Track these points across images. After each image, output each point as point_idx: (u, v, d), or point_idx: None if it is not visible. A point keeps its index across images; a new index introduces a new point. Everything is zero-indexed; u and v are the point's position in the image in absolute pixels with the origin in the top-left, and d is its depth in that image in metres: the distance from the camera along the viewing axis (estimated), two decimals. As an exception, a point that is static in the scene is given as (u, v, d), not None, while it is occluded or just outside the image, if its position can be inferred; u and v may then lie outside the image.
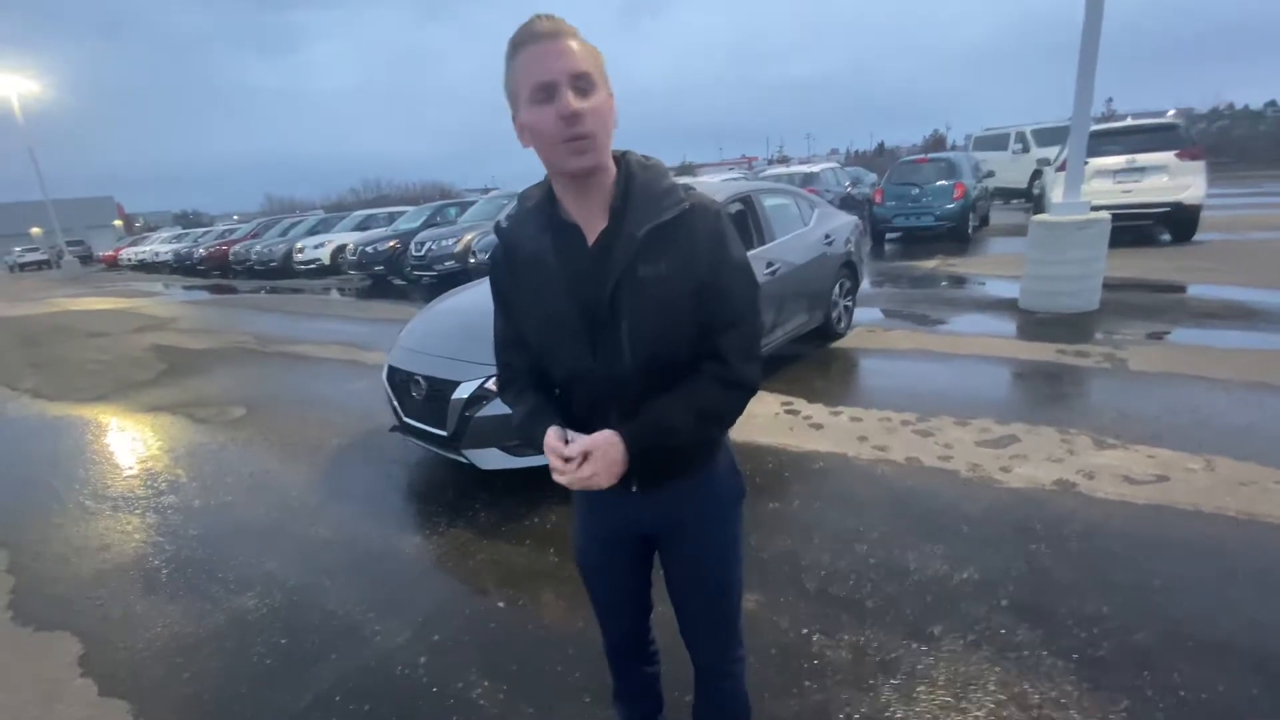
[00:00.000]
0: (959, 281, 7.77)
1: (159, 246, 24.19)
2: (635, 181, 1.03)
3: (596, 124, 0.95)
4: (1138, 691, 1.75)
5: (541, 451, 1.09)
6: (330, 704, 1.98)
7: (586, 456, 1.01)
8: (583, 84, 0.93)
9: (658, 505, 1.21)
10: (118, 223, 56.52)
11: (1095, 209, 5.81)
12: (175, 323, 10.07)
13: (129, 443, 4.56)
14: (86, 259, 33.68)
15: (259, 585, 2.64)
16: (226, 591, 2.62)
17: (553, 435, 1.06)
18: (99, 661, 2.27)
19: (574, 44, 0.93)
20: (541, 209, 1.07)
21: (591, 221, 1.04)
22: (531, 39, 0.93)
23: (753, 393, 1.10)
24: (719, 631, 1.33)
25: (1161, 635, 1.94)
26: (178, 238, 25.01)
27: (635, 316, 1.02)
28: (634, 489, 1.16)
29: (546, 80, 0.91)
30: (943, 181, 10.53)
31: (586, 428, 1.08)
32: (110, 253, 29.04)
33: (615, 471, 1.03)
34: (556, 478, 1.04)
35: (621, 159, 1.06)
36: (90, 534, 3.22)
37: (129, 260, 25.83)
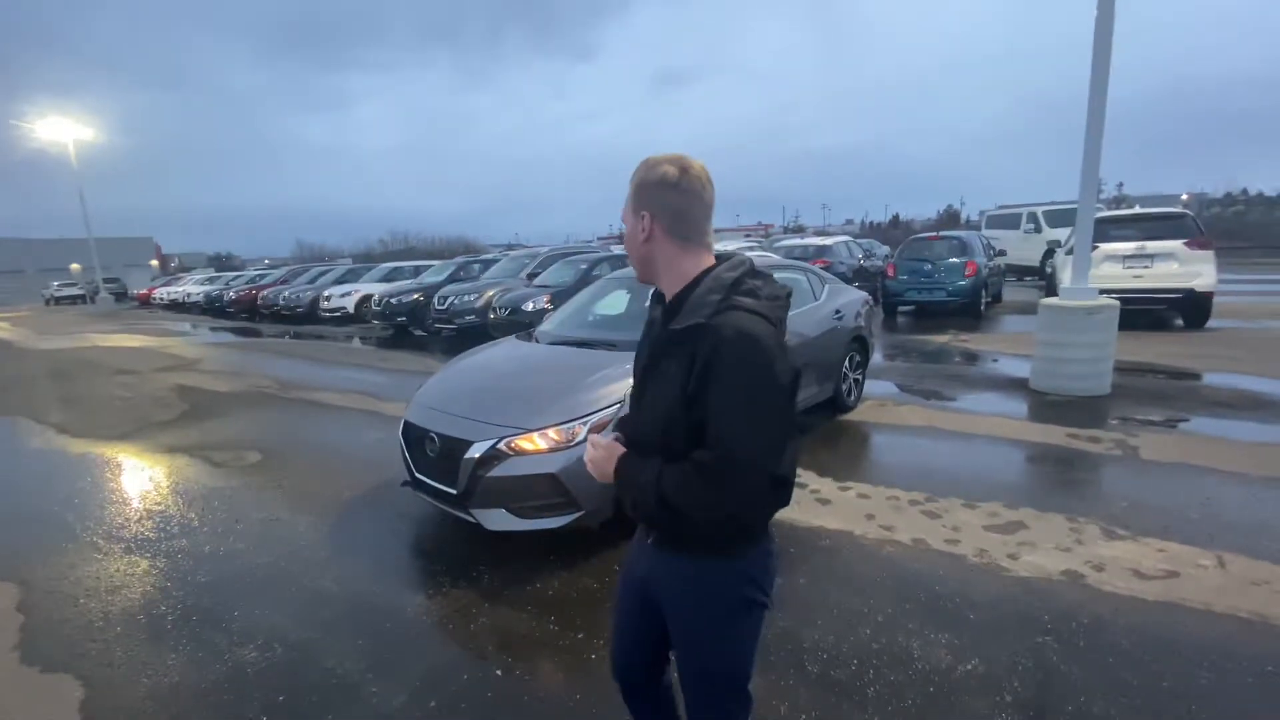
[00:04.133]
0: (971, 358, 7.82)
1: (191, 287, 25.07)
2: (696, 290, 1.20)
3: (629, 251, 1.31)
4: (1144, 802, 1.71)
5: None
6: (323, 767, 1.97)
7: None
8: (625, 226, 1.30)
9: (658, 567, 1.32)
10: (154, 262, 58.73)
11: (1107, 292, 5.90)
12: (200, 363, 10.34)
13: (145, 483, 4.65)
14: (121, 296, 34.85)
15: (261, 637, 2.66)
16: (229, 642, 2.63)
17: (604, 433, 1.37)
18: (100, 708, 2.29)
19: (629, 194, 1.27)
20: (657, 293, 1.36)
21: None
22: None
23: (726, 496, 1.10)
24: (699, 714, 1.36)
25: (1170, 743, 1.90)
26: (210, 280, 25.93)
27: (652, 389, 1.25)
28: (650, 540, 1.33)
29: None
30: (955, 259, 10.74)
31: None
32: (144, 291, 30.09)
33: (602, 470, 1.28)
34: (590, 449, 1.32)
35: (704, 272, 1.23)
36: (101, 575, 3.27)
37: (161, 299, 26.73)
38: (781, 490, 1.15)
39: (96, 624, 2.83)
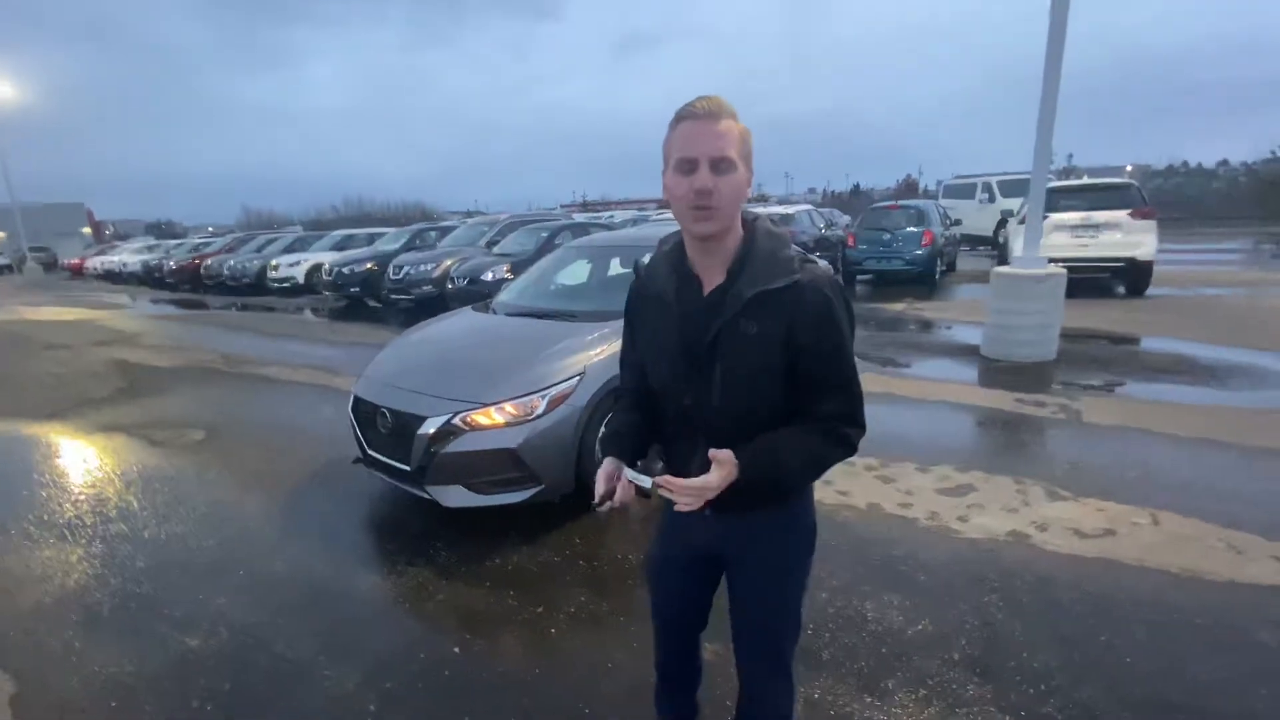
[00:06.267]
0: (926, 325, 7.99)
1: (128, 256, 23.63)
2: (757, 247, 1.14)
3: (724, 199, 1.07)
4: (1080, 751, 1.79)
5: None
6: (273, 754, 1.92)
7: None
8: (721, 165, 1.05)
9: (733, 530, 1.31)
10: (86, 230, 55.17)
11: (1054, 261, 6.06)
12: (139, 337, 9.82)
13: (80, 465, 4.41)
14: (50, 266, 32.74)
15: (206, 624, 2.56)
16: (172, 630, 2.53)
17: (608, 464, 1.26)
18: (32, 702, 2.17)
19: (723, 126, 1.05)
20: (672, 257, 1.23)
21: (710, 275, 1.17)
22: (690, 116, 1.06)
23: (854, 450, 1.20)
24: (767, 662, 1.40)
25: (1106, 693, 1.99)
26: (149, 248, 24.49)
27: (729, 362, 1.14)
28: (706, 512, 1.17)
29: (690, 156, 1.05)
30: (912, 228, 10.88)
31: (675, 445, 1.29)
32: (76, 261, 28.29)
33: (726, 482, 1.10)
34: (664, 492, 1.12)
35: (751, 225, 1.17)
36: (32, 563, 3.09)
37: (95, 269, 25.18)
38: None
39: (27, 614, 2.68)
